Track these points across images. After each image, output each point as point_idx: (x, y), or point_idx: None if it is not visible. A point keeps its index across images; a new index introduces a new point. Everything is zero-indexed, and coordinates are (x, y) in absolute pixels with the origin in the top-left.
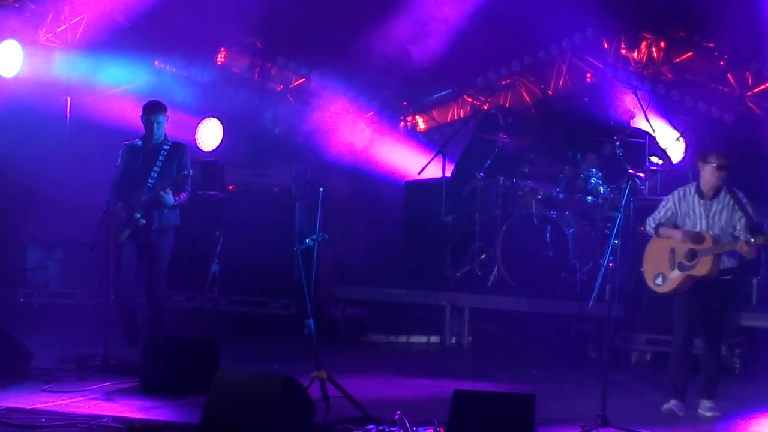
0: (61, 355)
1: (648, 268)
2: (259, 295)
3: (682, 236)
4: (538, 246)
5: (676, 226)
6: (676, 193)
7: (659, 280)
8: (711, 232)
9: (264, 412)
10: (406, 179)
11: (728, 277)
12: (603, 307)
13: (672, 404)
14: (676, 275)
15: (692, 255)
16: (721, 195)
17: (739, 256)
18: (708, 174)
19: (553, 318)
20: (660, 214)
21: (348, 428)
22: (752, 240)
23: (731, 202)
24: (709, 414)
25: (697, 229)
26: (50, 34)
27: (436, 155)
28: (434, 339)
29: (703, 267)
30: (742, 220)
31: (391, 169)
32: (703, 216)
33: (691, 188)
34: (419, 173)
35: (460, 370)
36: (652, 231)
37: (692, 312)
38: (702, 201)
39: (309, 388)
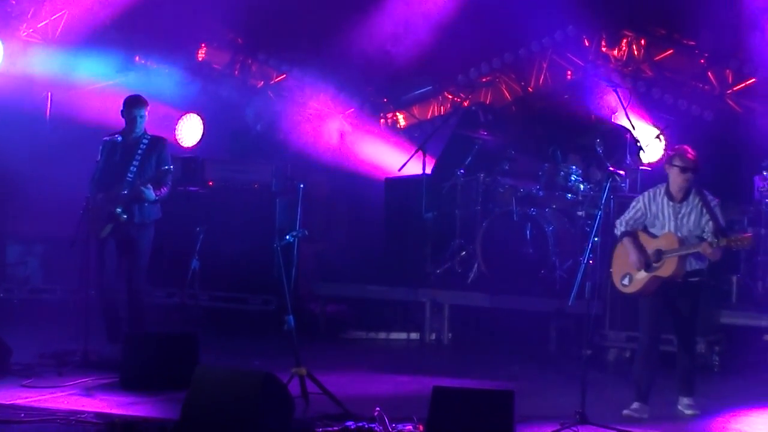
0: (41, 351)
1: (616, 269)
2: (239, 291)
3: (638, 255)
4: (518, 243)
5: (645, 228)
6: (646, 194)
7: (626, 281)
8: (679, 234)
9: (244, 408)
10: (386, 176)
11: (696, 279)
12: (583, 305)
13: (633, 408)
14: (642, 276)
15: (658, 255)
16: (690, 197)
17: (720, 257)
18: (674, 176)
19: (533, 315)
20: (629, 215)
21: (327, 424)
22: (715, 242)
23: (699, 205)
24: (688, 411)
25: (666, 230)
26: (31, 30)
27: (416, 152)
28: (414, 336)
29: (668, 268)
30: (710, 223)
31: (371, 165)
32: (672, 218)
33: (661, 189)
34: (399, 170)
35: (440, 366)
36: (619, 234)
37: (658, 314)
38: (671, 203)
39: (288, 385)
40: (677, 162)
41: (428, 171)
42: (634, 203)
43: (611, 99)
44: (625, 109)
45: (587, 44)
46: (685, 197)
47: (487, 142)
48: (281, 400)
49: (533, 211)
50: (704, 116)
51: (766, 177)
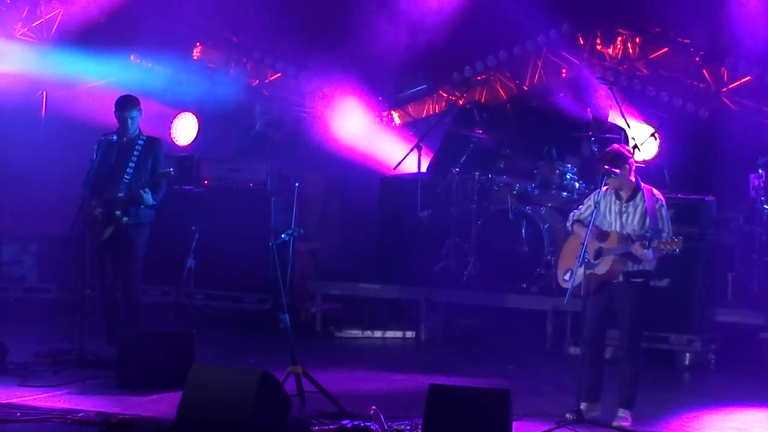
0: (37, 350)
1: (561, 264)
2: (234, 290)
3: (590, 237)
4: (514, 241)
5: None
6: (599, 191)
7: (567, 276)
8: (624, 233)
9: (240, 407)
10: (381, 175)
11: (639, 280)
12: (578, 302)
13: (580, 408)
14: (581, 272)
15: (598, 254)
16: (638, 197)
17: (654, 259)
18: (607, 179)
19: (529, 313)
20: (581, 210)
21: (323, 423)
22: (646, 243)
23: (644, 205)
24: (614, 423)
25: (612, 229)
26: (26, 29)
27: (411, 151)
28: (409, 334)
29: (603, 266)
30: (658, 222)
31: (366, 164)
32: (617, 217)
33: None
34: (395, 169)
35: (436, 365)
36: (570, 227)
37: (600, 313)
38: (618, 202)
39: (284, 383)
40: (604, 167)
41: (423, 169)
42: (586, 200)
43: (606, 97)
44: (620, 107)
45: (582, 42)
46: (632, 196)
47: (482, 141)
48: (277, 398)
49: (528, 209)
50: (699, 114)
51: (761, 175)
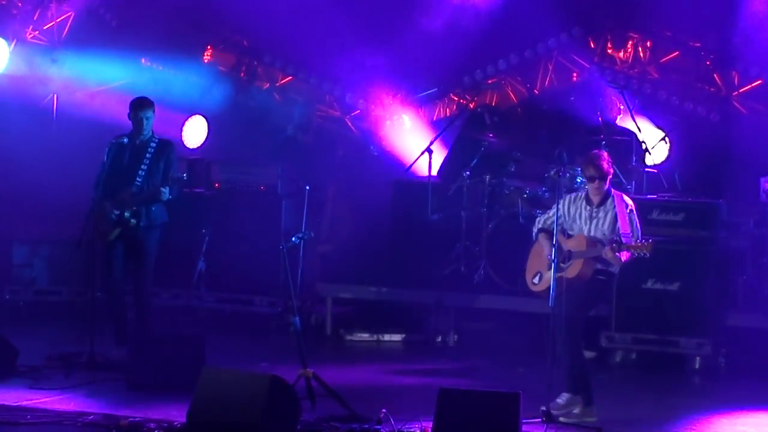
0: (47, 353)
1: (529, 267)
2: (245, 293)
3: (549, 249)
4: (525, 245)
5: (563, 230)
6: (567, 197)
7: (536, 279)
8: (591, 236)
9: (250, 410)
10: (392, 178)
11: (602, 278)
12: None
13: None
14: (549, 275)
15: (568, 256)
16: (608, 202)
17: (623, 262)
18: (588, 184)
19: (539, 317)
20: (548, 216)
21: (334, 426)
22: (616, 247)
23: (614, 209)
24: (555, 411)
25: (581, 233)
26: (37, 32)
27: (422, 154)
28: (420, 337)
29: (573, 269)
30: (630, 227)
31: (377, 167)
32: (587, 221)
33: (582, 194)
34: (406, 172)
35: (446, 368)
36: (535, 233)
37: (556, 308)
38: (588, 207)
39: (295, 386)
40: (585, 173)
41: (434, 173)
42: (554, 206)
43: (617, 101)
44: (630, 111)
45: (593, 46)
46: (602, 202)
47: (492, 144)
48: (288, 401)
49: (539, 212)
50: (710, 118)
51: None
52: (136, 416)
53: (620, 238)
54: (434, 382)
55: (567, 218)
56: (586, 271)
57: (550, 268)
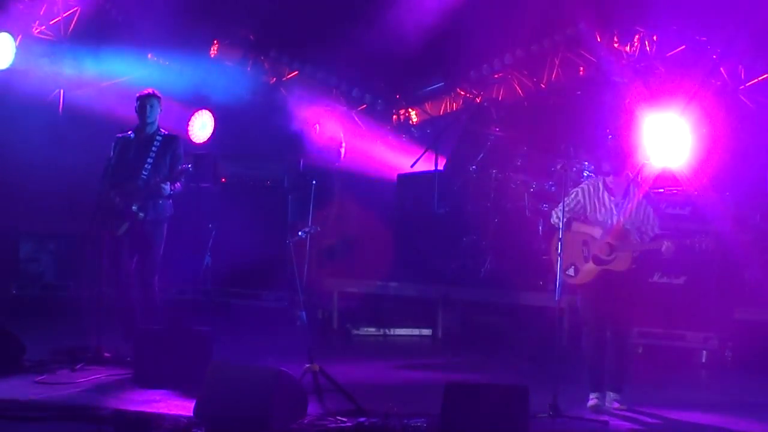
0: (54, 347)
1: (563, 258)
2: (251, 287)
3: (602, 232)
4: (531, 239)
5: (584, 218)
6: (585, 186)
7: (571, 271)
8: (627, 227)
9: (257, 404)
10: (398, 172)
11: (634, 266)
12: None
13: (593, 400)
14: (590, 268)
15: (610, 250)
16: (631, 191)
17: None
18: (613, 179)
19: (546, 310)
20: (568, 204)
21: (340, 421)
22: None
23: (636, 198)
24: (610, 405)
25: (612, 223)
26: (43, 27)
27: (428, 148)
28: (426, 331)
29: (622, 263)
30: (650, 217)
31: (383, 161)
32: (615, 211)
33: (600, 184)
34: (412, 166)
35: (452, 362)
36: (559, 222)
37: (601, 302)
38: (612, 198)
39: (302, 381)
40: (602, 168)
41: (440, 167)
42: (572, 195)
43: (622, 95)
44: (637, 105)
45: (599, 40)
46: (626, 191)
47: (499, 138)
48: (294, 396)
49: (545, 206)
50: (717, 112)
51: None
52: (143, 410)
53: (655, 230)
54: (441, 376)
55: (588, 208)
56: (633, 263)
57: (588, 261)
